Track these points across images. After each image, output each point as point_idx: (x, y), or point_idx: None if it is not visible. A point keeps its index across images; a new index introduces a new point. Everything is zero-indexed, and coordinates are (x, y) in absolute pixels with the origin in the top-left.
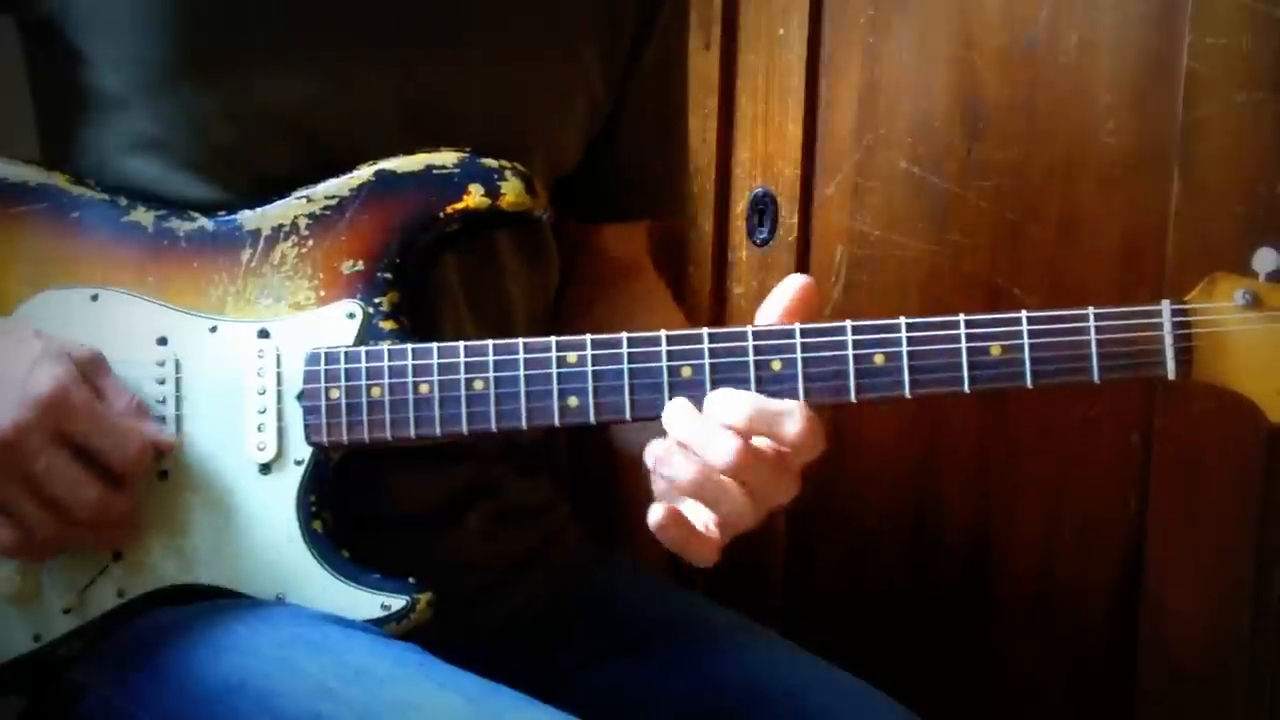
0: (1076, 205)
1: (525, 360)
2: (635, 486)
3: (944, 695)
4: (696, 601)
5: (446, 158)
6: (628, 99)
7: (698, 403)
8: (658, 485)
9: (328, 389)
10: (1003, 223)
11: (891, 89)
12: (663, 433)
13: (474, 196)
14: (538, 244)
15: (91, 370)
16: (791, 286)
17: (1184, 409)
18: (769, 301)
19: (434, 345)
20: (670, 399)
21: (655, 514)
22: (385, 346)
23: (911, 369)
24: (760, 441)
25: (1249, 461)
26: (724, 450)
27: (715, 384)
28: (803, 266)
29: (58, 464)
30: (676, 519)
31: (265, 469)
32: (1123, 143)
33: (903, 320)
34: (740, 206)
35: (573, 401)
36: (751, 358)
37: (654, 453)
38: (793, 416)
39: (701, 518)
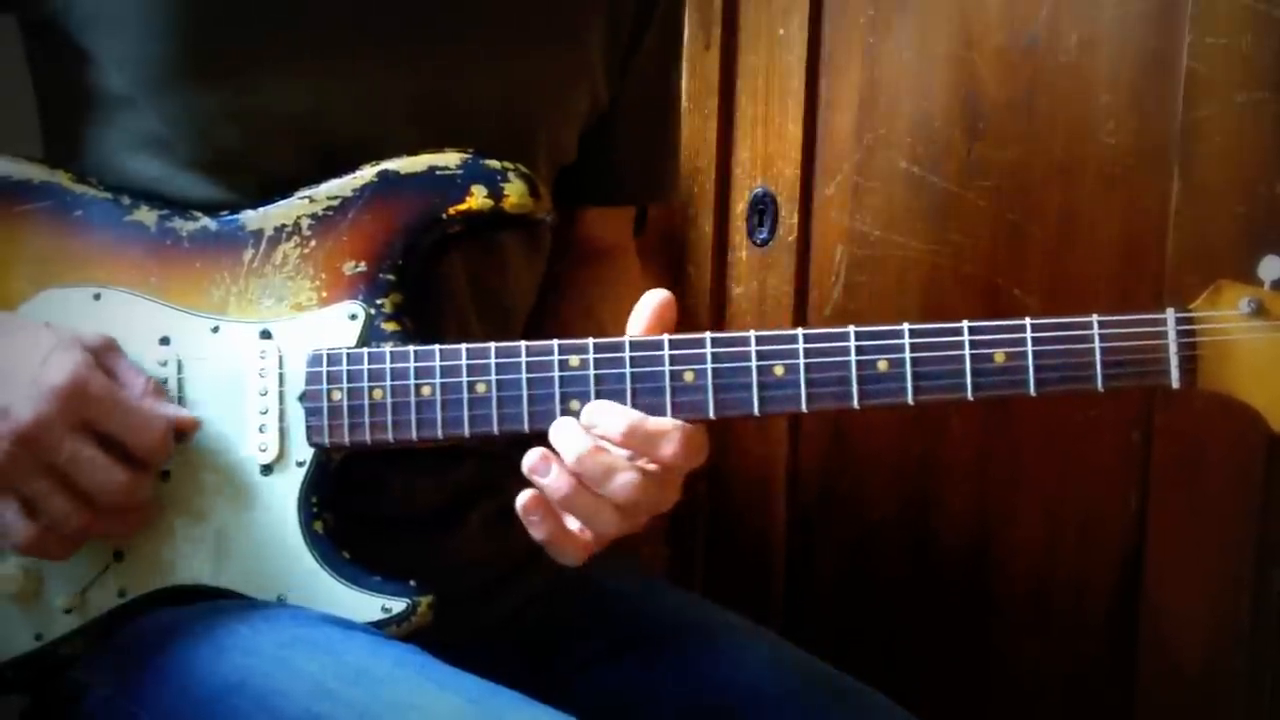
0: (1076, 205)
1: (527, 363)
2: None
3: (944, 694)
4: (696, 602)
5: (449, 158)
6: (625, 86)
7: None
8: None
9: (330, 390)
10: (1003, 223)
11: (891, 89)
12: None
13: (477, 198)
14: (539, 241)
15: (105, 356)
16: (650, 303)
17: (1185, 407)
18: (634, 316)
19: (436, 347)
20: (672, 403)
21: (522, 498)
22: (387, 348)
23: (915, 375)
24: None
25: (1250, 460)
26: (621, 486)
27: (717, 389)
28: (803, 266)
29: (82, 452)
30: (544, 507)
31: (267, 469)
32: (1123, 143)
33: (906, 326)
34: (740, 206)
35: (575, 405)
36: (754, 363)
37: (528, 462)
38: (670, 439)
39: (575, 520)
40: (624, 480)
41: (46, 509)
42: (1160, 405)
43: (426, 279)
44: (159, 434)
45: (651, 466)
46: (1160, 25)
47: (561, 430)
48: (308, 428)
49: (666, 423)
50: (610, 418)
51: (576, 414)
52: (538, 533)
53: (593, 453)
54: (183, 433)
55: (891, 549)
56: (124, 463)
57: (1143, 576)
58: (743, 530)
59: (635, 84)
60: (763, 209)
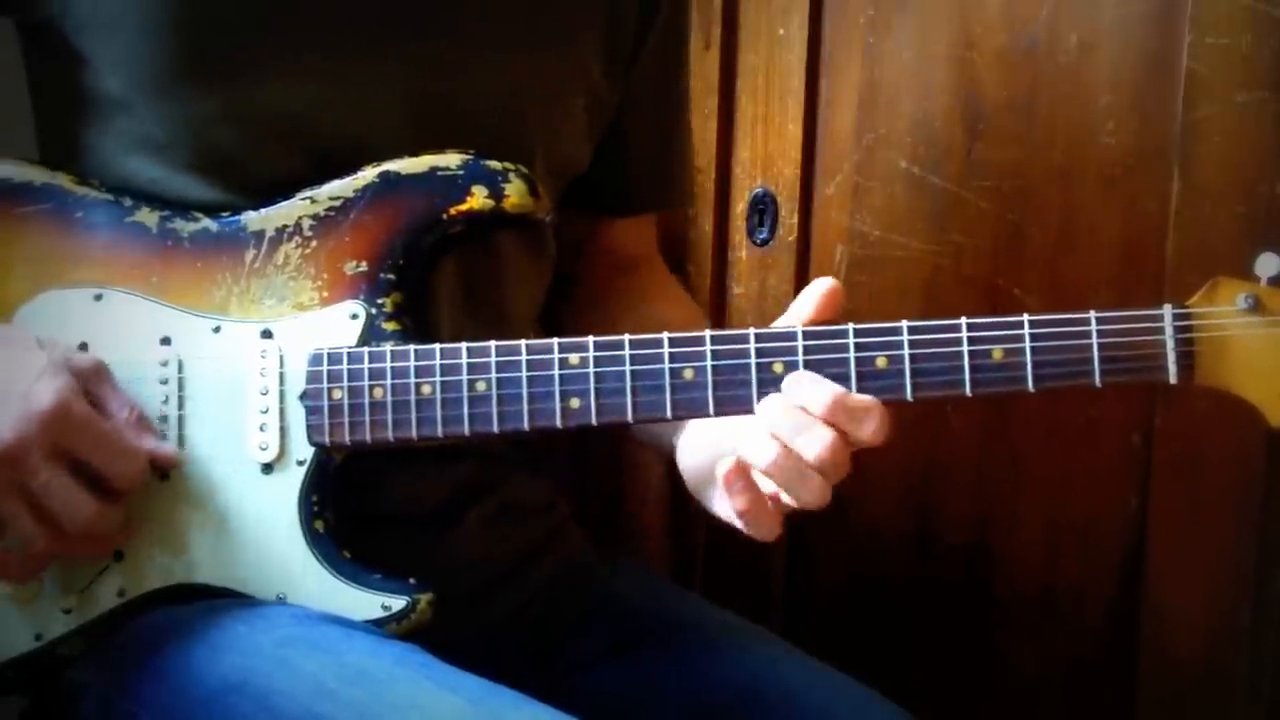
0: (1076, 205)
1: (527, 361)
2: (643, 485)
3: (945, 695)
4: (696, 602)
5: (450, 159)
6: (631, 92)
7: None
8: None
9: (330, 389)
10: (1003, 223)
11: (891, 89)
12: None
13: (478, 198)
14: (539, 244)
15: (93, 382)
16: (818, 290)
17: (1185, 409)
18: (796, 304)
19: (436, 346)
20: (671, 401)
21: (724, 465)
22: (388, 347)
23: (913, 372)
24: None
25: (1250, 461)
26: (816, 444)
27: (717, 386)
28: (803, 266)
29: (55, 479)
30: (745, 476)
31: (267, 469)
32: (1123, 143)
33: (904, 323)
34: (740, 206)
35: (575, 403)
36: (753, 360)
37: (738, 428)
38: (873, 416)
39: (771, 490)
40: (819, 435)
41: (14, 530)
42: (1160, 406)
43: (427, 279)
44: (135, 467)
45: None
46: (1160, 26)
47: (766, 402)
48: (308, 427)
49: (868, 400)
50: (813, 390)
51: (576, 411)
52: (738, 503)
53: (790, 410)
54: (162, 466)
55: (892, 549)
56: (96, 491)
57: (1143, 577)
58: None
59: (641, 91)
60: (763, 209)
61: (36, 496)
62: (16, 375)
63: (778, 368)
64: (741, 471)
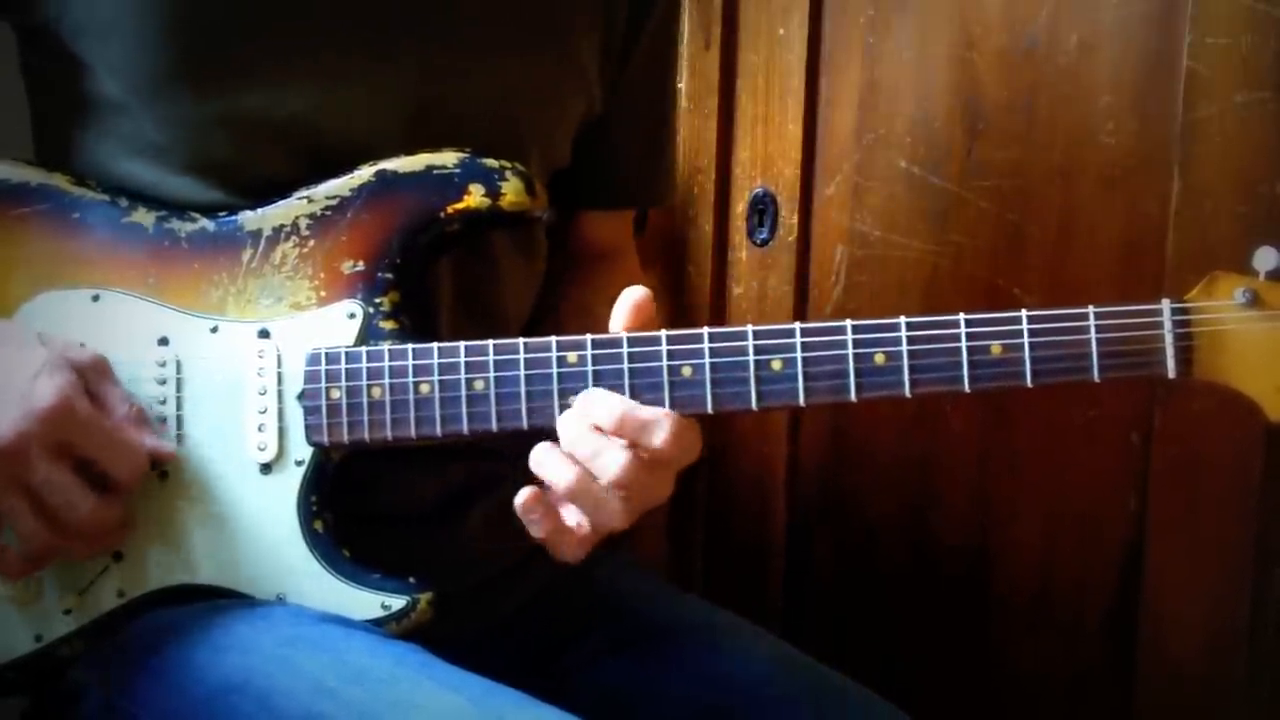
0: (1076, 205)
1: (526, 360)
2: None
3: (944, 695)
4: (696, 602)
5: (447, 158)
6: (622, 90)
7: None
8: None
9: (328, 389)
10: (1003, 223)
11: (891, 89)
12: None
13: (474, 196)
14: (531, 241)
15: (94, 377)
16: (628, 299)
17: (1184, 408)
18: (614, 314)
19: (434, 345)
20: (671, 398)
21: (521, 495)
22: (386, 347)
23: (912, 368)
24: None
25: (1249, 461)
26: (610, 464)
27: (715, 383)
28: (803, 266)
29: (56, 476)
30: (544, 504)
31: (266, 469)
32: (1123, 143)
33: (903, 319)
34: (740, 206)
35: (573, 401)
36: (752, 357)
37: (535, 456)
38: (660, 426)
39: (574, 515)
40: (613, 458)
41: (14, 527)
42: (1160, 406)
43: (424, 278)
44: (136, 464)
45: (643, 455)
46: (1160, 26)
47: (561, 421)
48: (307, 427)
49: (658, 411)
50: (602, 405)
51: None
52: (537, 530)
53: (584, 433)
54: (161, 463)
55: (891, 549)
56: (96, 487)
57: (1142, 577)
58: (742, 529)
59: (631, 88)
60: (763, 209)
61: (37, 493)
62: (18, 372)
63: (776, 365)
64: (538, 499)
